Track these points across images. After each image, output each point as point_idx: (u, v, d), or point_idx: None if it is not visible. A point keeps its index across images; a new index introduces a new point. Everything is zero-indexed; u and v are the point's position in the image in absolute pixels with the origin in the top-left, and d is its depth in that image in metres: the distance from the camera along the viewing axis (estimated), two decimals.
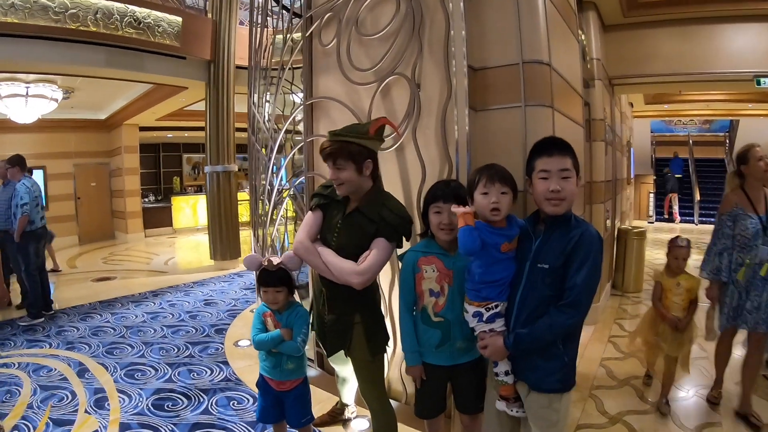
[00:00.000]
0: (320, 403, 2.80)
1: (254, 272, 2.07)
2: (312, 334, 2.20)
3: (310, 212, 2.07)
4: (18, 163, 4.53)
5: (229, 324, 4.48)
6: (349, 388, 2.63)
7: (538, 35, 2.37)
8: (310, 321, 2.17)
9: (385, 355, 2.16)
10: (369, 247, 1.89)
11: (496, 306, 1.69)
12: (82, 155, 9.53)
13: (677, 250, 2.71)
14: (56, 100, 7.06)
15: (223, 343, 4.00)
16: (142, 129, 9.83)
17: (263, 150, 3.60)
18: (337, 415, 2.71)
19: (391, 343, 2.32)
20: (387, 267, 2.65)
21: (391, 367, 2.71)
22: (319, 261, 1.92)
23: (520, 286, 1.65)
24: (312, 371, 3.18)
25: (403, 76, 2.56)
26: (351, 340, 2.01)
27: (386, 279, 2.71)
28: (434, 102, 2.49)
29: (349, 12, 2.81)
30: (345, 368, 2.47)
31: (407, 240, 2.00)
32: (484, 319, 1.70)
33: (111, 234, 9.93)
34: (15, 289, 4.66)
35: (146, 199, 10.88)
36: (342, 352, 2.07)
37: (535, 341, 1.60)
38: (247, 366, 3.52)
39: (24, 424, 2.71)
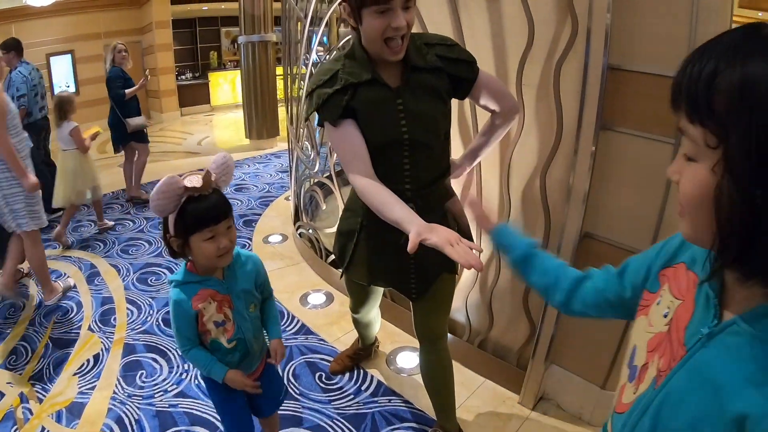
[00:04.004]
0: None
1: (169, 214, 1.16)
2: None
3: (334, 127, 1.17)
4: (13, 47, 3.72)
5: (260, 215, 3.89)
6: (376, 327, 1.98)
7: None
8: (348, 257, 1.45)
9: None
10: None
11: None
12: (112, 35, 8.60)
13: None
14: None
15: (251, 239, 3.44)
16: (175, 2, 8.78)
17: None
18: (362, 356, 2.10)
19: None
20: None
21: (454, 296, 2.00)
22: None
23: None
24: None
25: None
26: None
27: None
28: None
29: None
30: (372, 311, 1.78)
31: None
32: None
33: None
34: None
35: (183, 77, 10.12)
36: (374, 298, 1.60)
37: None
38: (277, 270, 2.94)
39: (22, 346, 2.33)
